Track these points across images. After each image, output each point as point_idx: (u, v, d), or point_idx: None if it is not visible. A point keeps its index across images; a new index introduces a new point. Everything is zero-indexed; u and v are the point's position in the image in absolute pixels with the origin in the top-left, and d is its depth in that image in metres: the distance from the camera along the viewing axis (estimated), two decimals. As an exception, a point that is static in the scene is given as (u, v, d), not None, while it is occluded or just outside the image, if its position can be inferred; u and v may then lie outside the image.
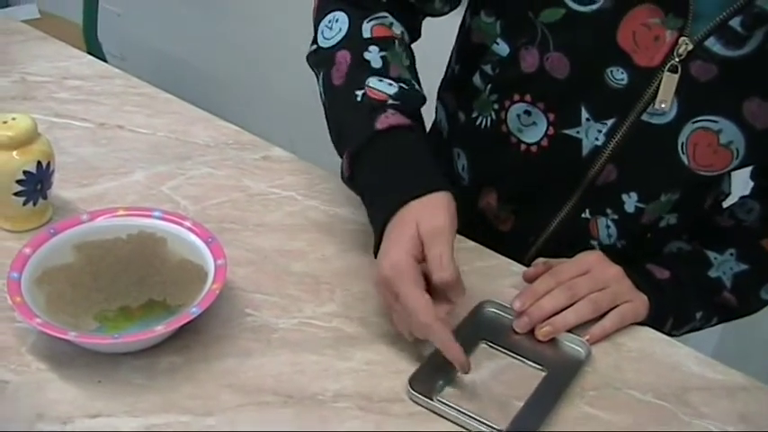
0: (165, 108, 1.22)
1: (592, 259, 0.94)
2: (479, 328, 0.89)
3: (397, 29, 0.98)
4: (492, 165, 1.05)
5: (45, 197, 0.96)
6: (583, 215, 1.01)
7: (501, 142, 1.01)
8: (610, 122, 0.94)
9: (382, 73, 0.92)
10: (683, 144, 0.92)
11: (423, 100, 0.94)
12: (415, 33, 1.05)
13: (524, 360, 0.86)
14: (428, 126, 1.02)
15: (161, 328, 0.78)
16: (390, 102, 0.90)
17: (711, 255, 1.00)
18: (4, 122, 0.92)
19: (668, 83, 0.89)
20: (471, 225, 0.98)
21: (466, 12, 1.06)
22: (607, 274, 0.92)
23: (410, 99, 0.92)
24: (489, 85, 1.01)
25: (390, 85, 0.91)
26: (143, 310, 0.84)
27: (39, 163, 0.93)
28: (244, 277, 0.92)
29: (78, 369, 0.80)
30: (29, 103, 1.19)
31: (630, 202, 0.98)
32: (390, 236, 0.83)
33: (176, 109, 1.22)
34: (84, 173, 1.06)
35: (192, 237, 0.89)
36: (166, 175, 1.07)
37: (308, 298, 0.91)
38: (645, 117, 0.92)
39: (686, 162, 0.93)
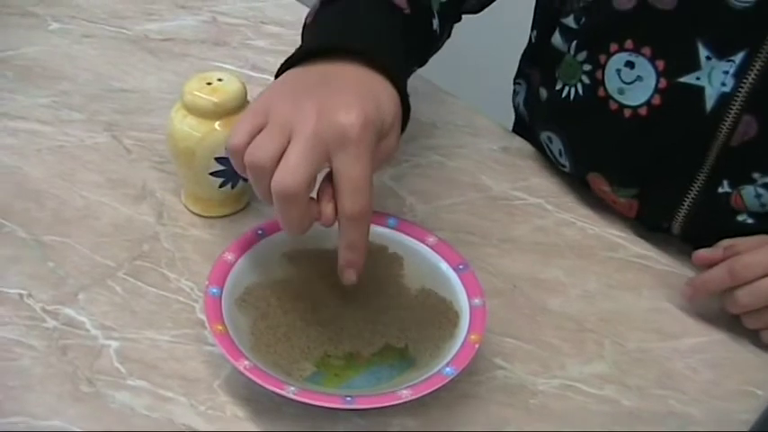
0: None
1: None
2: None
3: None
4: (592, 143, 0.83)
5: (246, 179, 0.77)
6: (720, 189, 0.77)
7: (599, 111, 0.79)
8: (738, 59, 0.71)
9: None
10: None
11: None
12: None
13: None
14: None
15: (407, 393, 0.58)
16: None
17: None
18: (209, 84, 0.74)
19: None
20: None
21: None
22: None
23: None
24: (575, 42, 0.81)
25: None
26: (374, 355, 0.65)
27: (246, 138, 0.74)
28: (490, 312, 0.71)
29: (285, 421, 0.62)
30: (221, 49, 1.00)
31: None
32: (359, 86, 0.63)
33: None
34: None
35: (437, 259, 0.68)
36: (386, 159, 0.87)
37: (571, 351, 0.70)
38: None
39: None
